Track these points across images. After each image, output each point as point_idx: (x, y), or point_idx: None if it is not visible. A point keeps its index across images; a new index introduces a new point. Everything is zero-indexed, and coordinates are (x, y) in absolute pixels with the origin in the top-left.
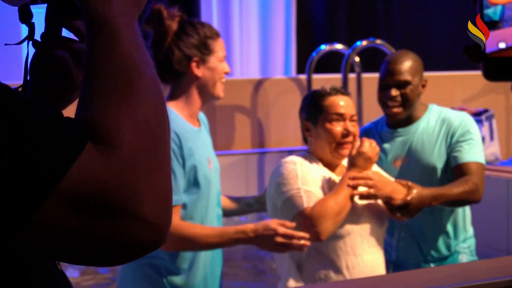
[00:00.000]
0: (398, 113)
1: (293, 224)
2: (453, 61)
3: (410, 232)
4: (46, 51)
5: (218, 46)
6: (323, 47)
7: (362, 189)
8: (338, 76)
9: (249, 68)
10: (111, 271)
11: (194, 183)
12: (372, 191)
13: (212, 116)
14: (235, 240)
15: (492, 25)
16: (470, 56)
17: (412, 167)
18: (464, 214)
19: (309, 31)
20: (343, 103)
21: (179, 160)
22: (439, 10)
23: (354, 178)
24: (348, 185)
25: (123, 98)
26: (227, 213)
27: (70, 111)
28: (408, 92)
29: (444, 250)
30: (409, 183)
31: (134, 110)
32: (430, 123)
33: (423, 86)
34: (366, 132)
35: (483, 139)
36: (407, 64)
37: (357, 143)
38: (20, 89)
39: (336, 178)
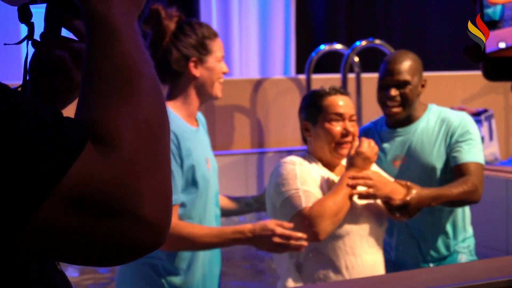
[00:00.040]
0: (398, 113)
1: (291, 225)
2: (452, 61)
3: (409, 232)
4: (45, 51)
5: (216, 46)
6: (323, 47)
7: (361, 189)
8: (337, 76)
9: (248, 68)
10: (110, 271)
11: (192, 182)
12: (371, 191)
13: (211, 116)
14: (233, 240)
15: (492, 25)
16: (470, 56)
17: (411, 167)
18: (464, 214)
19: (309, 31)
20: (342, 103)
21: (177, 160)
22: (438, 10)
23: (353, 178)
24: (348, 185)
25: (123, 98)
26: (226, 213)
27: (70, 111)
28: (408, 92)
29: (443, 250)
30: (409, 184)
31: (134, 110)
32: (429, 123)
33: (423, 86)
34: (366, 132)
35: (483, 139)
36: (406, 64)
37: (356, 143)
38: (19, 89)
39: (335, 178)
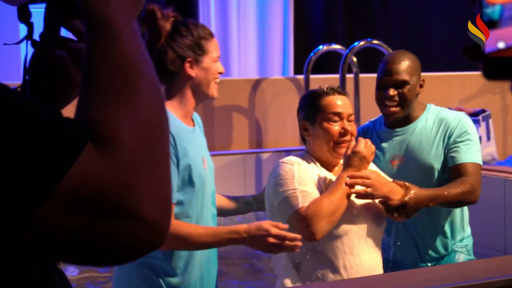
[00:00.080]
0: (396, 113)
1: (286, 226)
2: (450, 61)
3: (407, 231)
4: (45, 51)
5: (212, 47)
6: (321, 47)
7: (359, 188)
8: (335, 76)
9: (247, 68)
10: (109, 270)
11: (188, 182)
12: (369, 190)
13: (210, 116)
14: (228, 240)
15: (491, 24)
16: (470, 55)
17: (409, 166)
18: (462, 214)
19: (307, 31)
20: (340, 103)
21: (173, 159)
22: (436, 10)
23: (352, 177)
24: (346, 184)
25: (122, 98)
26: (226, 213)
27: (70, 111)
28: (406, 91)
29: (441, 250)
30: (407, 184)
31: (134, 110)
32: (428, 123)
33: (421, 86)
34: (365, 131)
35: (480, 139)
36: (405, 64)
37: (353, 143)
38: (19, 89)
39: (333, 178)
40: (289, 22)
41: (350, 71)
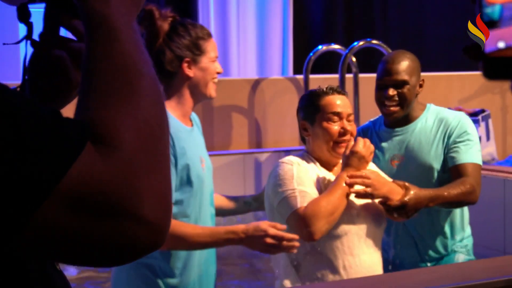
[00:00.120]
0: (395, 112)
1: (284, 226)
2: (449, 61)
3: (407, 231)
4: (44, 51)
5: (210, 47)
6: (320, 47)
7: (359, 188)
8: (335, 76)
9: (246, 68)
10: (108, 270)
11: (187, 181)
12: (369, 190)
13: (209, 116)
14: (226, 240)
15: (491, 24)
16: (470, 55)
17: (409, 166)
18: (462, 214)
19: (306, 31)
20: (339, 102)
21: (171, 159)
22: (436, 10)
23: (351, 176)
24: (346, 183)
25: (122, 98)
26: (225, 213)
27: (70, 111)
28: (406, 91)
29: (441, 250)
30: (407, 184)
31: (133, 110)
32: (427, 123)
33: (421, 86)
34: (364, 131)
35: (480, 139)
36: (404, 64)
37: (351, 142)
38: (18, 89)
39: (333, 178)
40: (288, 22)
41: (349, 71)
